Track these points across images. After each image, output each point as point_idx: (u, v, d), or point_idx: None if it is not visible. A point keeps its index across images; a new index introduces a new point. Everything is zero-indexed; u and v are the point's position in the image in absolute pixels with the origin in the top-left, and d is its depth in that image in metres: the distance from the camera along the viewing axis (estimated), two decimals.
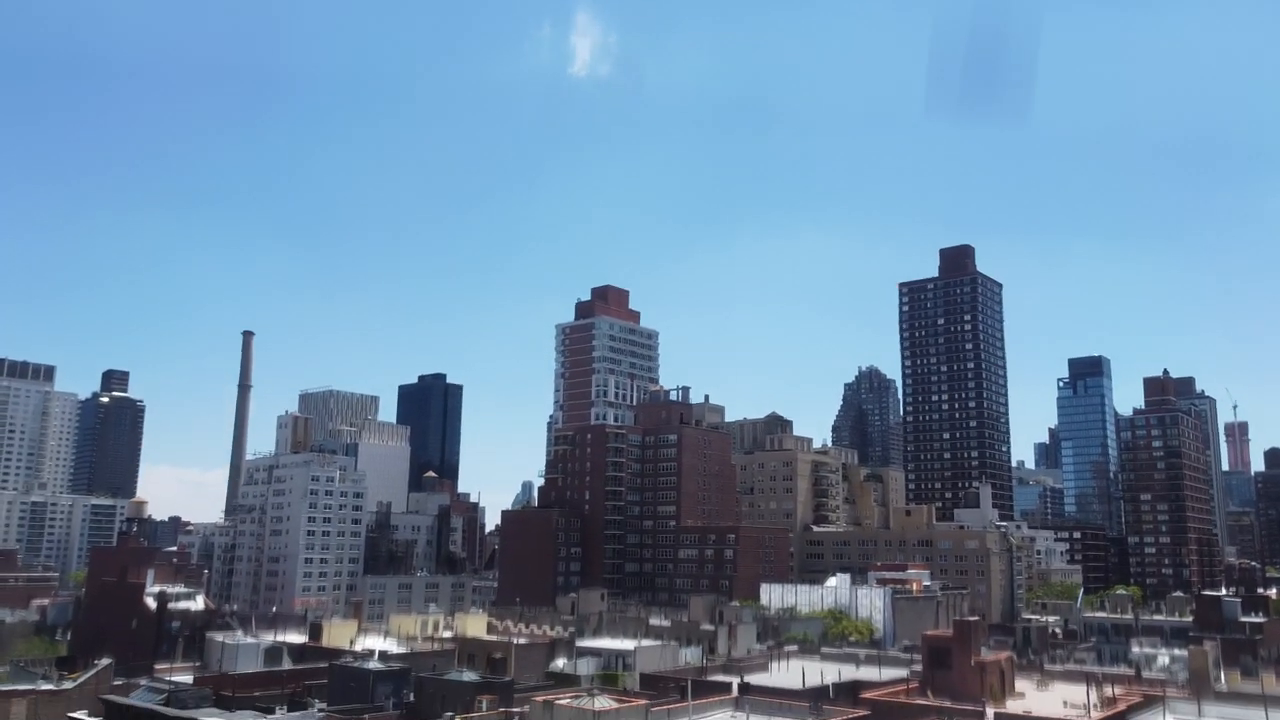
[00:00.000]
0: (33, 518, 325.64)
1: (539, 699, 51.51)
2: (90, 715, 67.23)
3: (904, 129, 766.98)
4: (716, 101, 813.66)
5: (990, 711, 61.89)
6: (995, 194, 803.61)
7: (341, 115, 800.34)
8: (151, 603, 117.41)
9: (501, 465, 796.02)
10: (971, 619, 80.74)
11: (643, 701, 53.00)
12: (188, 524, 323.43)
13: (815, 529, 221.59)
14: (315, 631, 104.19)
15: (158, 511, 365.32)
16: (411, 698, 62.51)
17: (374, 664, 66.47)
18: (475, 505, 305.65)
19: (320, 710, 58.93)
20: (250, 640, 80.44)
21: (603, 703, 50.63)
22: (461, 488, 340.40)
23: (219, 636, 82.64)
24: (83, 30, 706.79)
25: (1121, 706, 65.32)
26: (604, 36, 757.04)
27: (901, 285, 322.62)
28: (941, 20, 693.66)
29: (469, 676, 61.36)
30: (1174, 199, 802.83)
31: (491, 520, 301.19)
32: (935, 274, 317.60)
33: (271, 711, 57.53)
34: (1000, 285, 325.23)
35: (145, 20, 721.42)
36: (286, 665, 75.82)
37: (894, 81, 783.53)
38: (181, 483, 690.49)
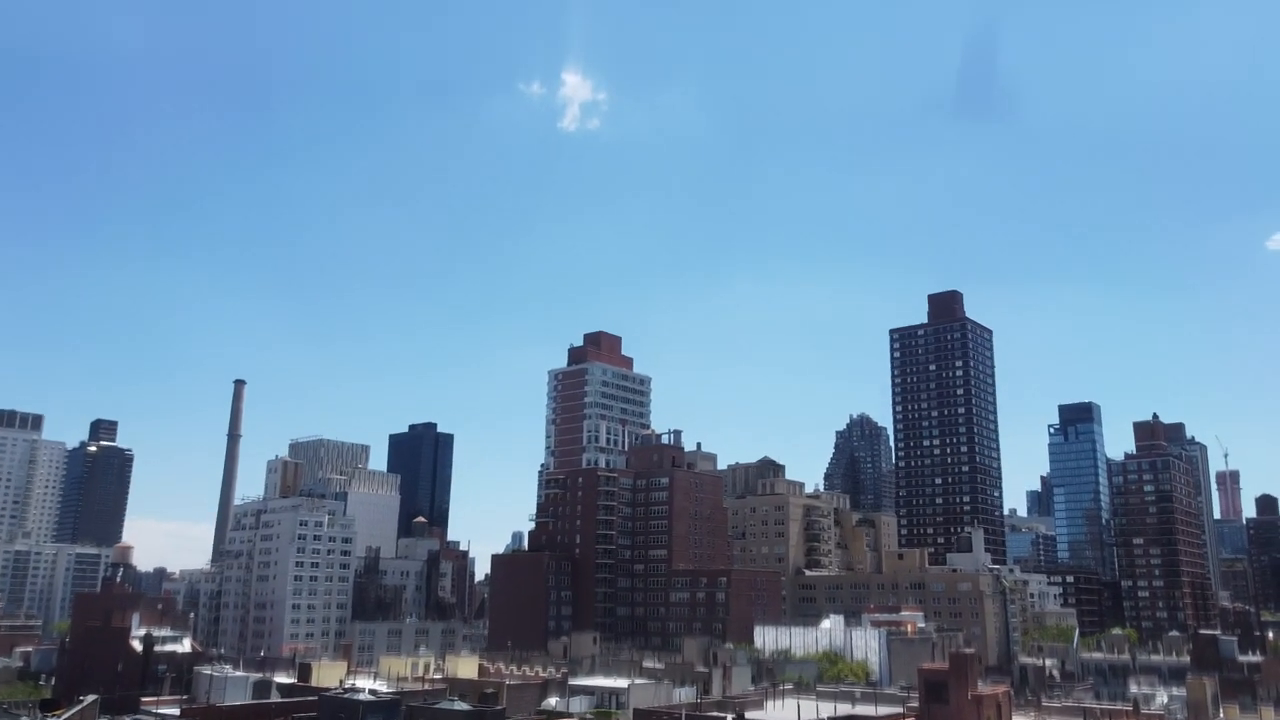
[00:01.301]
0: (15, 567, 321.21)
1: (536, 680, 50.75)
2: None
3: (892, 171, 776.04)
4: (705, 151, 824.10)
5: None
6: (983, 238, 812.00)
7: (333, 162, 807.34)
8: (138, 645, 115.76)
9: (492, 516, 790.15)
10: (967, 651, 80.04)
11: None
12: (173, 575, 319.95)
13: (807, 573, 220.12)
14: (304, 672, 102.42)
15: (143, 563, 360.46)
16: None
17: (364, 695, 65.37)
18: (465, 554, 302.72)
19: None
20: (238, 674, 79.12)
21: None
22: (451, 537, 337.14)
23: (207, 670, 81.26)
24: (72, 63, 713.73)
25: None
26: (593, 94, 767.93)
27: (892, 331, 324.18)
28: (928, 59, 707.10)
29: (460, 706, 60.49)
30: (1165, 241, 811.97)
31: (481, 570, 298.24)
32: (924, 320, 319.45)
33: None
34: (990, 331, 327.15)
35: (138, 61, 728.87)
36: (275, 699, 74.51)
37: (881, 124, 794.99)
38: (167, 535, 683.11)
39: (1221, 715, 78.29)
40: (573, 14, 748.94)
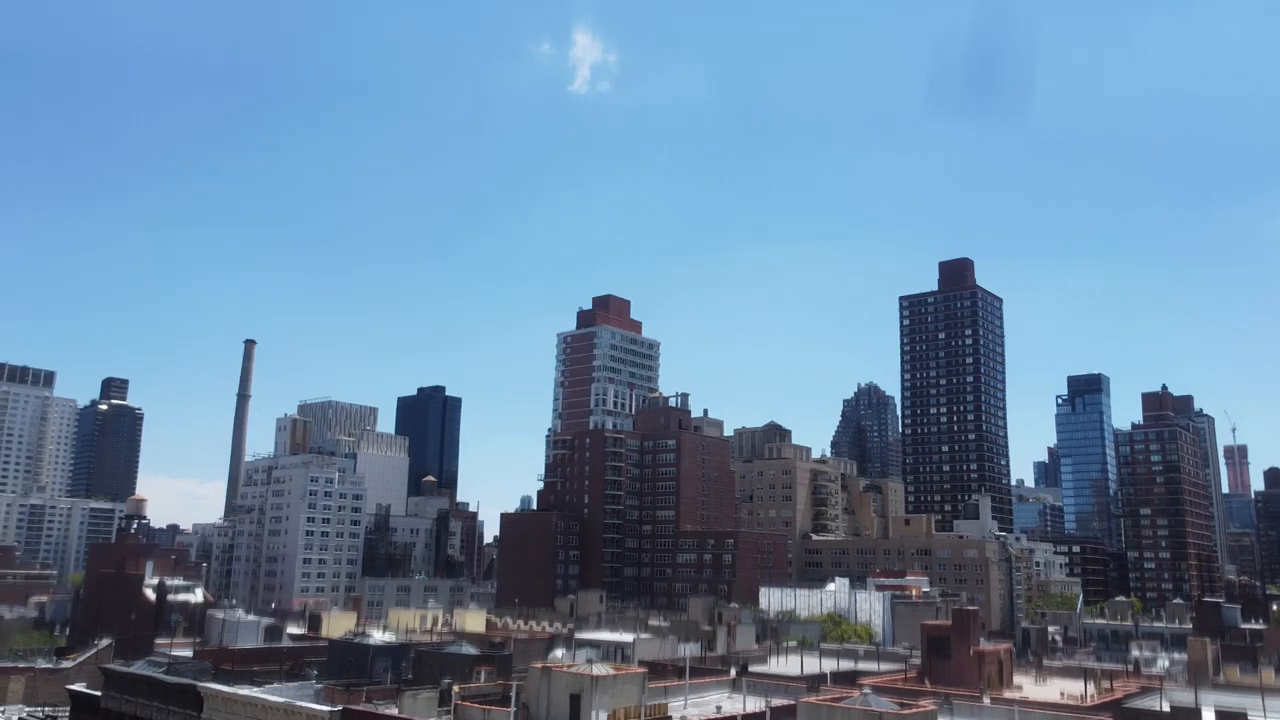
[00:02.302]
0: (31, 520, 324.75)
1: (537, 665, 51.50)
2: (89, 688, 67.29)
3: (903, 140, 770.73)
4: (717, 116, 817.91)
5: (987, 697, 61.69)
6: (994, 209, 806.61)
7: (343, 127, 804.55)
8: (150, 594, 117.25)
9: (499, 479, 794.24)
10: (970, 609, 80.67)
11: (641, 669, 52.99)
12: (185, 530, 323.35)
13: (814, 537, 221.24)
14: (314, 623, 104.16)
15: (155, 519, 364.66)
16: (410, 675, 62.48)
17: (373, 640, 66.38)
18: (474, 515, 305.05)
19: (318, 682, 58.98)
20: (250, 618, 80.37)
21: (601, 669, 50.62)
22: (459, 500, 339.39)
23: (219, 613, 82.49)
24: (85, 38, 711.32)
25: (1119, 694, 65.29)
26: (603, 55, 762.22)
27: (902, 299, 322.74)
28: (941, 30, 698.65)
29: (468, 650, 61.35)
30: (1175, 217, 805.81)
31: (489, 532, 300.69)
32: (935, 287, 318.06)
33: (269, 684, 57.57)
34: (1000, 300, 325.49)
35: (149, 31, 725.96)
36: (286, 643, 75.70)
37: (893, 92, 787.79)
38: (179, 493, 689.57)
39: (1222, 676, 78.70)
40: None
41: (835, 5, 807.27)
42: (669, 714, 45.32)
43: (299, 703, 50.54)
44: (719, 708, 55.13)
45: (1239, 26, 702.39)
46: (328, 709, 48.90)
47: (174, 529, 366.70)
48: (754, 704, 53.80)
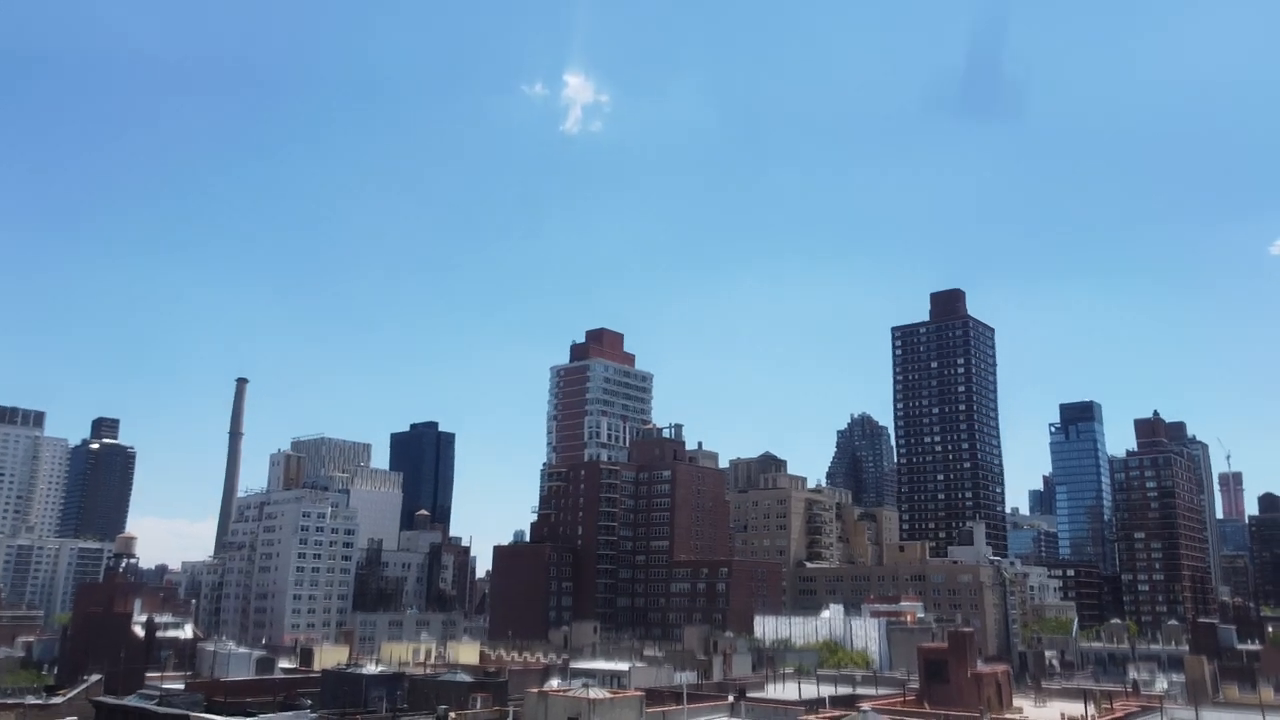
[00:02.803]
0: (18, 561, 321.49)
1: (534, 690, 51.17)
2: None
3: (895, 169, 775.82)
4: (708, 150, 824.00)
5: (988, 719, 61.29)
6: (986, 235, 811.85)
7: (334, 162, 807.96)
8: (139, 630, 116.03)
9: (493, 514, 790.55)
10: (966, 630, 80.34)
11: (638, 693, 52.68)
12: (175, 570, 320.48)
13: (808, 565, 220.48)
14: (306, 657, 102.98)
15: (145, 560, 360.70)
16: (404, 704, 61.89)
17: (367, 669, 65.81)
18: (466, 549, 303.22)
19: (312, 712, 58.31)
20: (242, 650, 79.50)
21: (598, 693, 50.32)
22: (453, 534, 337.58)
23: (210, 646, 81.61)
24: (78, 71, 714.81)
25: (1119, 714, 64.99)
26: (595, 96, 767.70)
27: (894, 329, 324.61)
28: (933, 56, 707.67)
29: (463, 678, 60.86)
30: (1168, 242, 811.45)
31: (482, 567, 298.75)
32: (927, 318, 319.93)
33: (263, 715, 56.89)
34: (992, 330, 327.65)
35: (137, 55, 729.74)
36: (278, 675, 74.90)
37: (884, 122, 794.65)
38: (169, 533, 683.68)
39: (1221, 695, 78.44)
40: (575, 14, 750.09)
41: (827, 33, 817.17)
42: None
43: None
44: None
45: (1233, 53, 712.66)
46: None
47: (162, 569, 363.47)
48: None
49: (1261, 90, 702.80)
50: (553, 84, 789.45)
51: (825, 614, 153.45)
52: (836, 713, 54.56)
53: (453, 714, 51.99)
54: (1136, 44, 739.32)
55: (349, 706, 60.69)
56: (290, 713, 57.76)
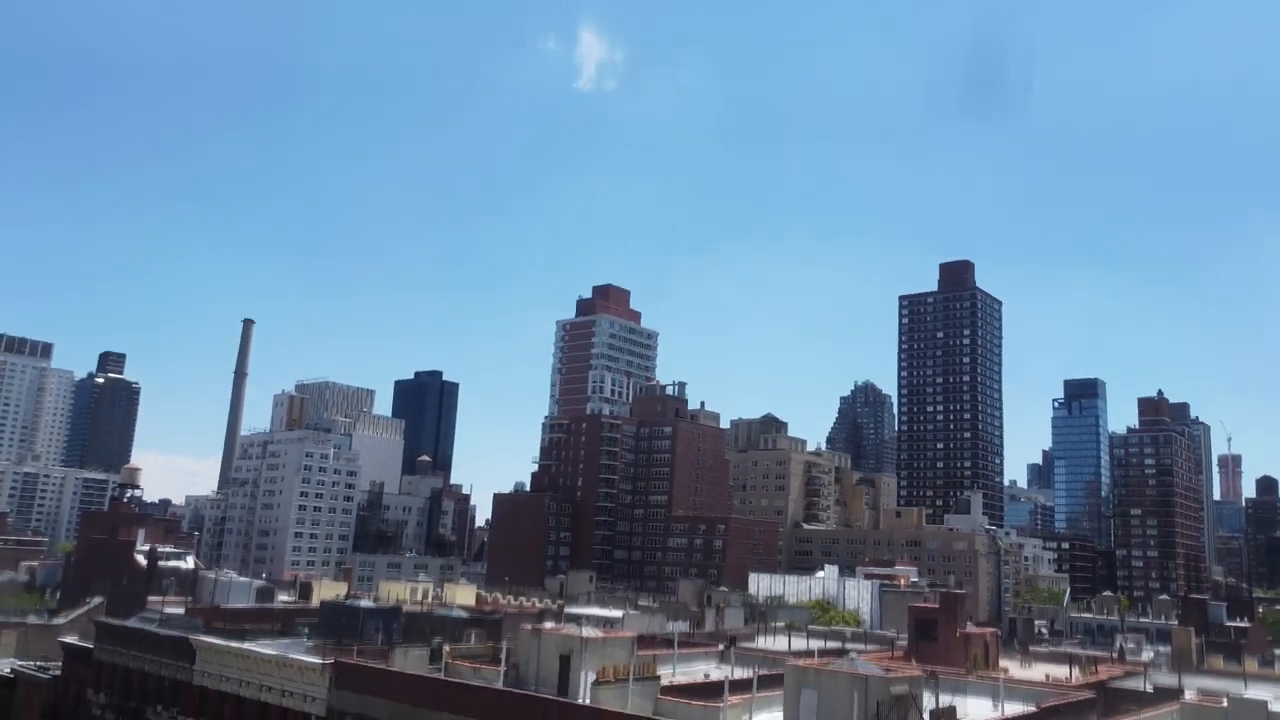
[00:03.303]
0: (24, 488, 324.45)
1: (527, 627, 51.92)
2: (81, 640, 67.66)
3: (906, 142, 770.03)
4: (720, 114, 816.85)
5: (973, 676, 62.09)
6: (995, 214, 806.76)
7: (347, 116, 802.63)
8: (142, 559, 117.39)
9: (494, 465, 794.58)
10: (958, 592, 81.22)
11: (630, 634, 53.44)
12: (178, 504, 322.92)
13: (805, 526, 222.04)
14: (305, 591, 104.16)
15: (148, 495, 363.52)
16: (400, 637, 62.80)
17: (364, 602, 66.79)
18: (466, 497, 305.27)
19: (309, 640, 59.31)
20: (242, 579, 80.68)
21: (591, 632, 51.06)
22: (453, 483, 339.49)
23: (211, 574, 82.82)
24: (92, 28, 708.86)
25: (1103, 677, 65.84)
26: (609, 54, 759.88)
27: (902, 298, 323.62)
28: (942, 33, 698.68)
29: (459, 613, 61.79)
30: (1175, 225, 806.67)
31: (482, 516, 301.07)
32: (935, 288, 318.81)
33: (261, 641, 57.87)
34: (1000, 302, 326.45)
35: (155, 20, 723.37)
36: (278, 605, 76.09)
37: (896, 94, 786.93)
38: (173, 469, 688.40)
39: (1206, 665, 79.34)
40: None
41: (839, 8, 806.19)
42: (657, 673, 45.68)
43: (291, 655, 50.96)
44: (706, 675, 55.59)
45: (1240, 37, 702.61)
46: (320, 661, 49.30)
47: (165, 503, 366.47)
48: (741, 673, 54.18)
49: (1267, 83, 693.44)
50: (566, 40, 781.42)
51: (820, 574, 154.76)
52: (825, 660, 55.27)
53: (447, 646, 52.72)
54: (1146, 34, 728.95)
55: (345, 637, 61.67)
56: (287, 639, 58.87)
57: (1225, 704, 33.80)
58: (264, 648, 53.79)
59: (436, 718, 43.78)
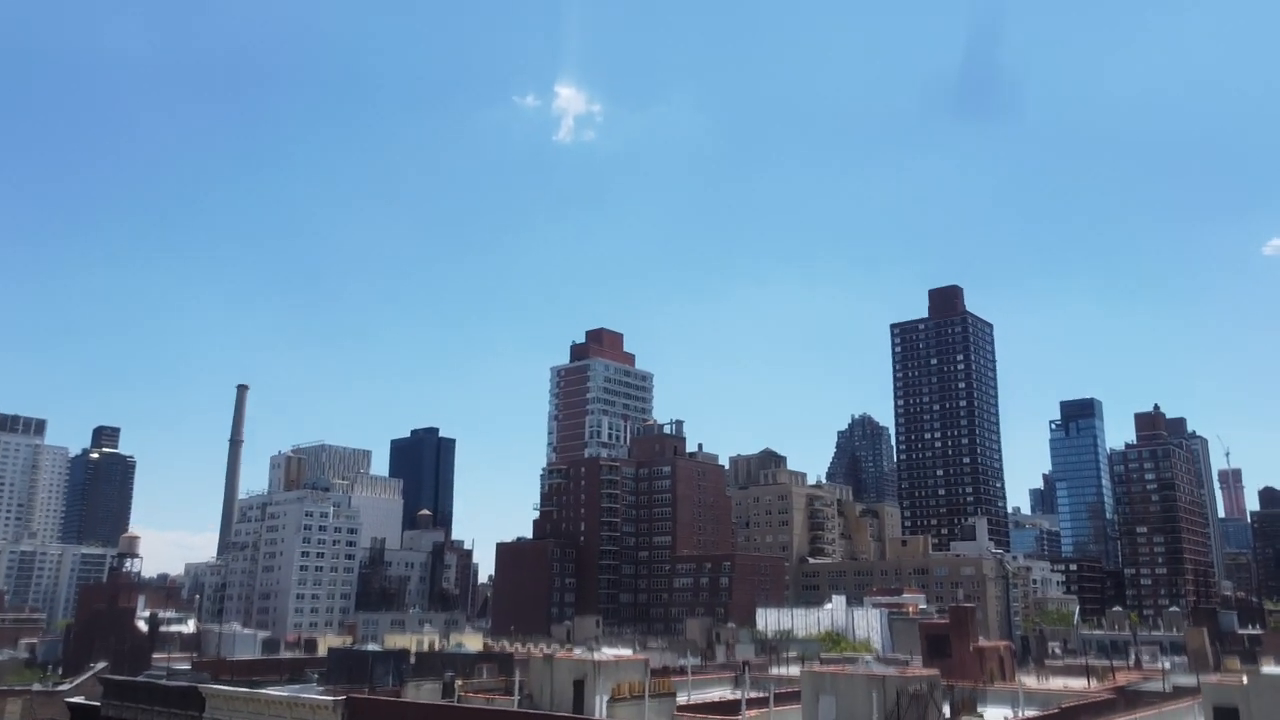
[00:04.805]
0: (21, 567, 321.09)
1: (539, 654, 51.50)
2: (87, 699, 66.72)
3: (892, 168, 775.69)
4: (703, 152, 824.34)
5: (991, 687, 61.54)
6: (982, 235, 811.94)
7: (329, 171, 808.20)
8: (143, 625, 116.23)
9: (494, 521, 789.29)
10: (968, 605, 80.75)
11: (643, 657, 53.02)
12: (177, 576, 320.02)
13: (811, 561, 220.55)
14: (310, 647, 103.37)
15: (146, 570, 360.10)
16: (410, 679, 62.18)
17: (372, 647, 66.15)
18: (469, 552, 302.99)
19: (319, 685, 58.65)
20: (247, 632, 79.81)
21: (604, 655, 50.70)
22: (454, 539, 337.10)
23: (215, 628, 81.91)
24: (69, 74, 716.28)
25: (1122, 683, 65.34)
26: (587, 106, 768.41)
27: (893, 326, 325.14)
28: (930, 55, 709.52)
29: (469, 649, 61.18)
30: (1166, 241, 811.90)
31: (485, 572, 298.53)
32: (925, 315, 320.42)
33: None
34: (991, 326, 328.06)
35: (133, 56, 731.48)
36: (284, 655, 75.21)
37: (881, 121, 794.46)
38: (171, 545, 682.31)
39: (1222, 666, 78.81)
40: (565, 26, 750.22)
41: (820, 33, 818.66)
42: (673, 689, 45.30)
43: (303, 695, 50.40)
44: (722, 697, 55.06)
45: (1229, 49, 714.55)
46: (331, 699, 48.75)
47: (164, 576, 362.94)
48: (756, 695, 53.67)
49: (1257, 92, 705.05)
50: (544, 95, 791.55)
51: (828, 606, 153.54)
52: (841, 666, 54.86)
53: (460, 680, 52.28)
54: (1130, 46, 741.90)
55: (355, 681, 61.05)
56: (297, 685, 58.19)
57: (1245, 680, 33.65)
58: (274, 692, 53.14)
59: None
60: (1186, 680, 63.64)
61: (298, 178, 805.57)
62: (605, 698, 44.00)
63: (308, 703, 49.64)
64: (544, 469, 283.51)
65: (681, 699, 53.22)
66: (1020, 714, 47.19)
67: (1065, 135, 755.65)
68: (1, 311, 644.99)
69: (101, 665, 79.26)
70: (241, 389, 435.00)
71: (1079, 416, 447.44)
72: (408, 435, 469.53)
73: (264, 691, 52.37)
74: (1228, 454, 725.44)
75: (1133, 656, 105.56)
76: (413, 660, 63.80)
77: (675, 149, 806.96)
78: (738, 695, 57.34)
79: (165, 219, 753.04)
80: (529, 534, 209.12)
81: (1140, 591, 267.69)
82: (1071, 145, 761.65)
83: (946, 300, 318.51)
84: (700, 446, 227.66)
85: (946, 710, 39.59)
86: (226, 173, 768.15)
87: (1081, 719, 44.68)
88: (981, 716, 44.85)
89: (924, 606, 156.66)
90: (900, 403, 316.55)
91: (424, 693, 48.84)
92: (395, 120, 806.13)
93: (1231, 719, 32.25)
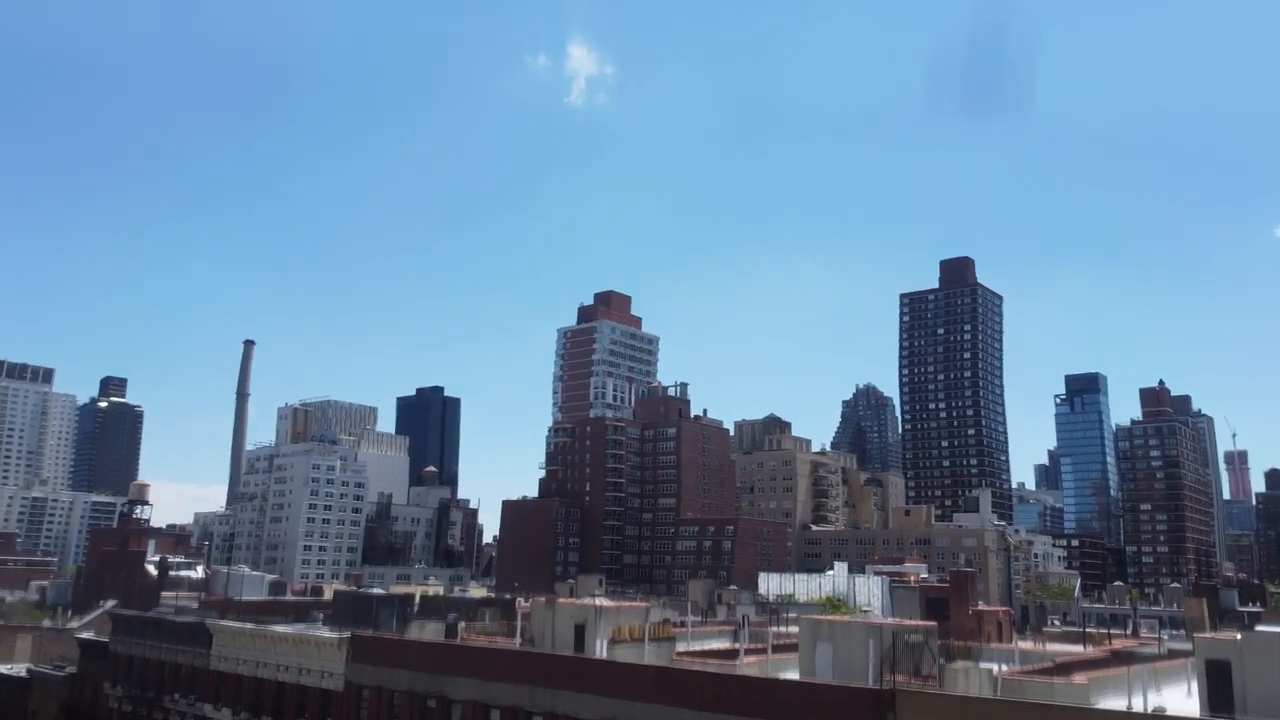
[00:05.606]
0: (32, 513, 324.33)
1: (541, 600, 52.17)
2: (96, 635, 67.87)
3: (903, 140, 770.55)
4: (715, 119, 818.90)
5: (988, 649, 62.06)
6: (994, 211, 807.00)
7: (342, 131, 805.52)
8: (153, 569, 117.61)
9: (498, 482, 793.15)
10: (967, 569, 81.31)
11: (644, 603, 53.66)
12: (187, 525, 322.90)
13: (814, 528, 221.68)
14: (316, 594, 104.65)
15: (156, 520, 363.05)
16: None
17: (377, 590, 66.96)
18: (474, 511, 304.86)
19: (324, 624, 59.52)
20: (255, 574, 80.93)
21: (605, 601, 51.35)
22: (460, 497, 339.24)
23: (223, 569, 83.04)
24: (87, 39, 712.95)
25: (1118, 648, 65.93)
26: (599, 68, 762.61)
27: (902, 295, 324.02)
28: (940, 29, 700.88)
29: (473, 594, 61.95)
30: (1175, 220, 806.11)
31: (489, 532, 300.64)
32: (935, 285, 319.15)
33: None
34: (1000, 297, 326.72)
35: (148, 27, 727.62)
36: (290, 598, 76.29)
37: (894, 92, 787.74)
38: (179, 497, 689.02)
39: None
40: None
41: (832, 7, 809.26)
42: (673, 635, 45.94)
43: (309, 632, 51.21)
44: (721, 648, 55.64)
45: (1240, 32, 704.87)
46: (336, 635, 49.55)
47: (174, 526, 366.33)
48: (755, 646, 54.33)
49: (1269, 74, 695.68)
50: (556, 55, 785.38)
51: (829, 572, 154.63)
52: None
53: (463, 622, 53.01)
54: (1144, 30, 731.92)
55: (360, 623, 61.87)
56: (303, 623, 59.12)
57: (1239, 636, 33.92)
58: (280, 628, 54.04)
59: (455, 684, 43.99)
60: (1183, 647, 64.28)
61: (308, 138, 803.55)
62: (605, 641, 44.72)
63: (314, 640, 50.52)
64: (550, 428, 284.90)
65: (681, 648, 54.04)
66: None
67: (1077, 114, 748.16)
68: (11, 262, 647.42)
69: (111, 603, 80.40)
70: (248, 344, 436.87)
71: (1084, 391, 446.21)
72: (413, 394, 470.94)
73: (271, 628, 53.25)
74: (1234, 435, 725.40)
75: (1131, 627, 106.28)
76: (416, 606, 64.50)
77: (685, 118, 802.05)
78: (737, 646, 58.26)
79: (176, 179, 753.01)
80: (533, 494, 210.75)
81: (1142, 569, 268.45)
82: (1083, 124, 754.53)
83: (957, 271, 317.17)
84: (705, 411, 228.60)
85: (942, 661, 39.98)
86: (237, 134, 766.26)
87: (1074, 671, 45.11)
88: (975, 663, 45.27)
89: (925, 576, 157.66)
90: (905, 372, 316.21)
91: (427, 632, 49.59)
92: (406, 80, 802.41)
93: (1224, 673, 32.50)
